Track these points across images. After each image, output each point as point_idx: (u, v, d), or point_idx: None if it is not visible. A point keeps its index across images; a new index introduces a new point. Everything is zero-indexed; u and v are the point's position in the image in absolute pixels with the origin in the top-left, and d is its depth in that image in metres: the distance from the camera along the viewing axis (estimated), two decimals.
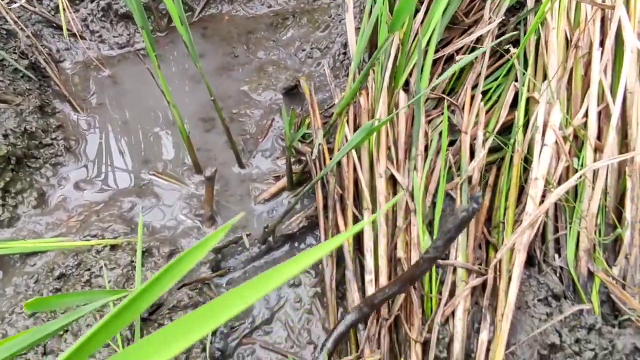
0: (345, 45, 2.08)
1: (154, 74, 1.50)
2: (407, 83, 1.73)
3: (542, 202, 1.45)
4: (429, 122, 1.73)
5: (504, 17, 1.77)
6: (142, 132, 1.91)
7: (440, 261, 1.41)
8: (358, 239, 1.54)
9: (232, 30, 2.21)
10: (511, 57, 1.73)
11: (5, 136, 1.66)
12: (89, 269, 1.50)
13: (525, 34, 1.80)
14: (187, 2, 2.23)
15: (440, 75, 1.78)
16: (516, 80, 1.72)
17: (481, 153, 1.52)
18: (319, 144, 1.52)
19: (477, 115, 1.63)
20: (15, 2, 1.91)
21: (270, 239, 1.61)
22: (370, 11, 1.53)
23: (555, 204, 1.55)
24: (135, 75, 2.06)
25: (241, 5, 2.29)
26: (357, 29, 2.00)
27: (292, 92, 2.00)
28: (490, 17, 1.73)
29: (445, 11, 1.69)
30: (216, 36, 2.20)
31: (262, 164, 1.84)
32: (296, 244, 1.66)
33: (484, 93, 1.77)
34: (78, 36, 2.06)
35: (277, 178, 1.79)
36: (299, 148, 1.81)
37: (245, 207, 1.73)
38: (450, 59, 1.82)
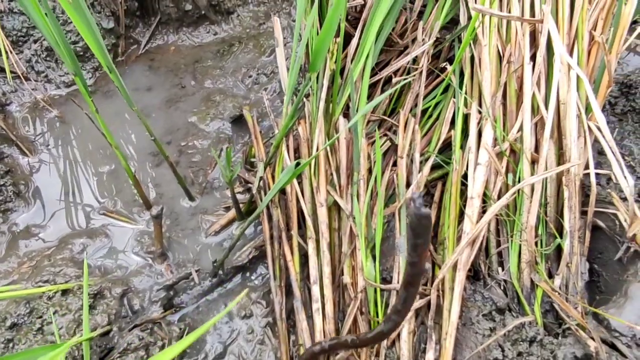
0: None
1: (92, 118, 1.52)
2: (347, 107, 1.76)
3: (480, 219, 1.49)
4: (371, 144, 1.76)
5: (438, 36, 1.81)
6: (91, 171, 1.92)
7: (383, 285, 1.44)
8: (306, 267, 1.57)
9: (179, 61, 2.23)
10: (447, 75, 1.77)
11: None
12: (40, 317, 1.51)
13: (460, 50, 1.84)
14: (132, 36, 2.24)
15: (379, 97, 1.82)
16: (454, 97, 1.76)
17: (418, 175, 1.56)
18: (261, 177, 1.55)
19: (413, 135, 1.66)
20: None
21: (221, 272, 1.63)
22: (297, 46, 1.55)
23: (497, 218, 1.59)
24: (82, 113, 2.07)
25: (187, 34, 2.31)
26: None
27: (240, 120, 2.02)
28: (423, 39, 1.77)
29: (379, 34, 1.73)
30: (163, 67, 2.22)
31: (212, 195, 1.86)
32: (247, 274, 1.68)
33: (424, 111, 1.81)
34: (23, 78, 2.06)
35: (227, 209, 1.81)
36: (246, 178, 1.84)
37: (196, 241, 1.75)
38: (388, 81, 1.85)
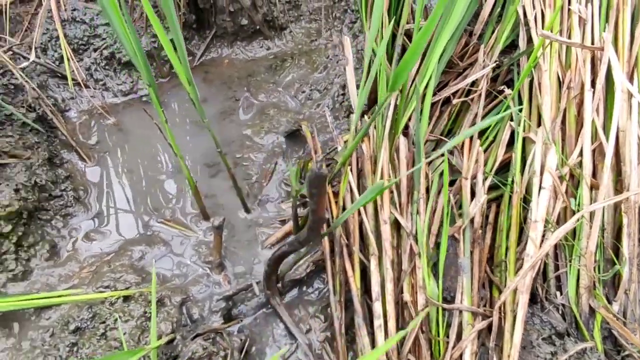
0: (344, 87, 2.14)
1: (161, 128, 1.55)
2: (406, 127, 1.78)
3: (542, 242, 1.50)
4: (428, 163, 1.78)
5: (497, 60, 1.83)
6: (148, 179, 1.95)
7: (446, 305, 1.45)
8: (365, 283, 1.58)
9: (233, 74, 2.27)
10: (505, 98, 1.79)
11: (17, 191, 1.70)
12: (103, 322, 1.53)
13: (518, 74, 1.86)
14: (187, 48, 2.28)
15: (438, 118, 1.84)
16: (511, 120, 1.78)
17: (482, 197, 1.57)
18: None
19: (476, 158, 1.68)
20: (28, 59, 1.95)
21: (279, 284, 1.65)
22: (369, 67, 1.58)
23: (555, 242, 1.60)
24: (139, 121, 2.11)
25: (240, 48, 2.35)
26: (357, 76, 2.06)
27: (294, 135, 2.05)
28: (484, 61, 1.79)
29: (441, 57, 1.75)
30: (217, 80, 2.25)
31: (267, 208, 1.88)
32: (304, 288, 1.70)
33: (481, 133, 1.83)
34: (82, 85, 2.10)
35: (283, 222, 1.83)
36: (303, 192, 1.86)
37: (252, 253, 1.78)
38: (447, 102, 1.87)
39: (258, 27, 2.32)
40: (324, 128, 2.07)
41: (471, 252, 1.56)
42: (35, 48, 2.15)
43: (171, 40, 1.36)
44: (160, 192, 1.92)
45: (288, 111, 2.14)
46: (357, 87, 2.06)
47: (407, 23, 1.86)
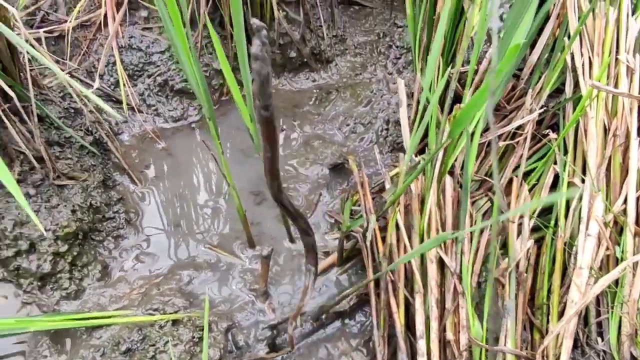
0: (387, 122, 2.19)
1: (217, 158, 1.61)
2: (451, 166, 1.82)
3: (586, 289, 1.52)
4: (472, 203, 1.81)
5: (543, 105, 1.87)
6: (195, 204, 2.01)
7: (490, 346, 1.47)
8: (407, 319, 1.61)
9: (279, 104, 2.33)
10: (550, 142, 1.82)
11: (74, 212, 1.77)
12: (153, 345, 1.58)
13: (564, 118, 1.89)
14: (237, 77, 2.35)
15: (483, 159, 1.88)
16: (555, 163, 1.81)
17: (528, 242, 1.60)
18: (372, 229, 1.61)
19: (523, 201, 1.71)
20: (93, 86, 2.03)
21: (324, 316, 1.69)
22: (423, 112, 1.62)
23: None
24: (188, 147, 2.18)
25: (287, 79, 2.42)
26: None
27: (338, 168, 2.10)
28: (531, 105, 1.83)
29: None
30: None
31: None
32: (346, 321, 1.73)
33: (524, 175, 1.86)
34: (136, 110, 2.18)
35: (327, 253, 1.88)
36: (353, 227, 1.90)
37: (295, 283, 1.82)
38: (491, 144, 1.91)
39: (305, 59, 2.39)
40: (368, 162, 2.11)
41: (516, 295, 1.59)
42: (92, 72, 2.24)
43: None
44: (207, 217, 1.97)
45: (332, 143, 2.19)
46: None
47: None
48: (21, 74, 1.72)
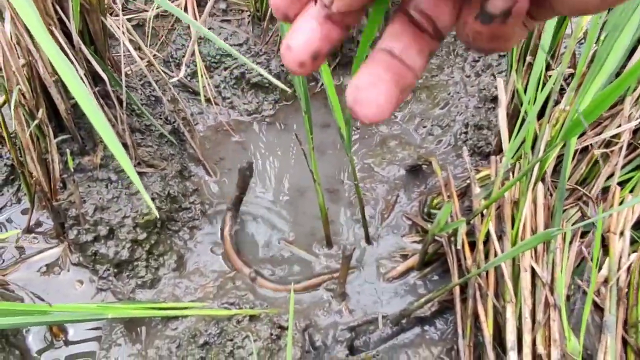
0: (466, 125, 2.12)
1: (307, 155, 1.57)
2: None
3: None
4: (562, 212, 1.73)
5: None
6: (270, 199, 1.97)
7: None
8: (497, 330, 1.54)
9: None
10: None
11: (153, 200, 1.75)
12: (231, 339, 1.54)
13: None
14: (312, 73, 2.32)
15: (574, 167, 1.80)
16: None
17: (631, 255, 1.52)
18: (461, 236, 1.55)
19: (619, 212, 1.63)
20: (175, 78, 2.02)
21: (404, 320, 1.63)
22: (522, 121, 1.55)
23: None
24: (262, 142, 2.15)
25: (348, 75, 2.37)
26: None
27: (415, 169, 2.04)
28: (630, 112, 1.74)
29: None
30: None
31: (388, 240, 1.87)
32: (426, 327, 1.67)
33: (619, 185, 1.77)
34: (212, 101, 2.16)
35: (405, 257, 1.82)
36: (426, 227, 1.84)
37: (372, 284, 1.76)
38: (583, 150, 1.83)
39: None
40: (445, 165, 2.05)
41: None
42: (169, 62, 2.24)
43: None
44: (281, 213, 1.94)
45: (409, 144, 2.14)
46: (471, 125, 2.04)
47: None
48: (108, 59, 1.71)
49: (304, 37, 0.35)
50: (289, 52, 0.35)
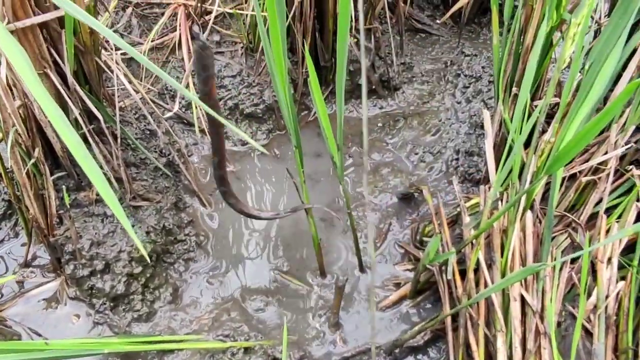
0: (457, 151, 2.15)
1: (299, 188, 1.60)
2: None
3: None
4: (551, 239, 1.76)
5: (628, 141, 1.81)
6: (265, 229, 2.00)
7: None
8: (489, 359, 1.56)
9: (346, 131, 2.31)
10: (633, 176, 1.77)
11: (148, 233, 1.77)
12: None
13: None
14: (304, 102, 2.35)
15: (563, 194, 1.82)
16: (638, 200, 1.74)
17: (619, 283, 1.54)
18: (452, 265, 1.57)
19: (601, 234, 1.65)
20: (170, 111, 2.06)
21: (397, 350, 1.64)
22: (509, 151, 1.57)
23: None
24: (256, 172, 2.18)
25: (354, 106, 2.41)
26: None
27: (407, 197, 2.07)
28: (617, 139, 1.78)
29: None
30: None
31: (380, 269, 1.89)
32: (420, 356, 1.69)
33: (606, 212, 1.80)
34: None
35: (398, 285, 1.84)
36: (418, 255, 1.87)
37: (365, 314, 1.78)
38: (571, 178, 1.86)
39: (374, 86, 2.38)
40: (437, 192, 2.08)
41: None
42: (164, 94, 2.27)
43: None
44: (277, 243, 1.96)
45: (401, 172, 2.16)
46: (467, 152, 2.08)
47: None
48: (103, 95, 1.75)
49: None
50: None
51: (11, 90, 1.44)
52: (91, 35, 1.53)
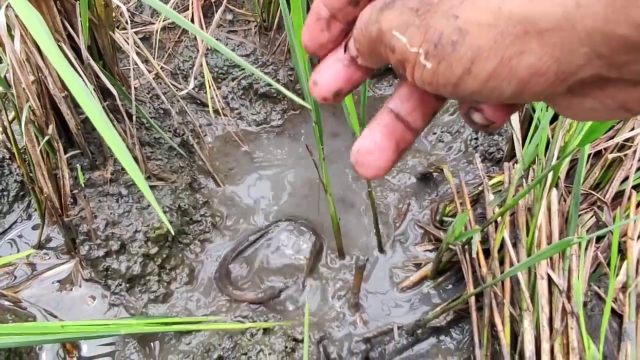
0: (476, 131, 2.10)
1: (318, 165, 1.56)
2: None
3: None
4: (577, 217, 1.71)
5: None
6: (280, 210, 1.96)
7: None
8: (514, 339, 1.52)
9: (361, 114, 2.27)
10: None
11: (164, 213, 1.74)
12: (245, 353, 1.53)
13: None
14: None
15: (588, 171, 1.78)
16: None
17: None
18: (476, 244, 1.53)
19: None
20: (183, 90, 2.02)
21: (420, 331, 1.61)
22: (535, 129, 1.53)
23: None
24: (270, 152, 2.14)
25: (370, 86, 2.36)
26: None
27: (426, 177, 2.03)
28: None
29: None
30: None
31: (400, 249, 1.86)
32: (442, 337, 1.65)
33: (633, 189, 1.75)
34: (220, 112, 2.16)
35: (418, 265, 1.80)
36: (438, 236, 1.83)
37: (386, 294, 1.75)
38: (596, 155, 1.81)
39: (390, 65, 2.33)
40: (457, 172, 2.03)
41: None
42: (176, 74, 2.23)
43: None
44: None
45: (418, 152, 2.12)
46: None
47: None
48: (117, 74, 1.71)
49: (329, 77, 0.39)
50: (315, 87, 0.40)
51: (24, 65, 1.40)
52: (105, 9, 1.49)
